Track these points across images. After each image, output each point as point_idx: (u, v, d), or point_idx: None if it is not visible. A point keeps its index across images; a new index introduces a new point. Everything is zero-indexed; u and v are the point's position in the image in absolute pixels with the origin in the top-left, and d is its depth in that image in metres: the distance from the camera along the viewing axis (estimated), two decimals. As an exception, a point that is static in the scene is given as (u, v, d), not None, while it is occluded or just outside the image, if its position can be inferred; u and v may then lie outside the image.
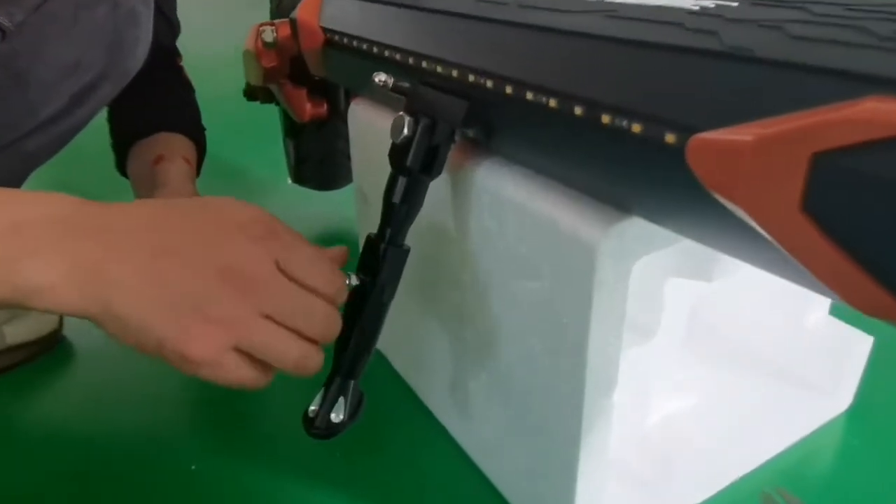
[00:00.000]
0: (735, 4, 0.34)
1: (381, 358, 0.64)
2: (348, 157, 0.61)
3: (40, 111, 0.49)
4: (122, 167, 0.73)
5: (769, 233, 0.21)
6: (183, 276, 0.32)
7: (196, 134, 0.71)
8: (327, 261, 0.36)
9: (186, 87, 0.75)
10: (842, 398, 0.55)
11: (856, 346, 0.52)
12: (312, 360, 0.35)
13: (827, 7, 0.32)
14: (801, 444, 0.53)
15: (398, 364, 0.62)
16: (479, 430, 0.49)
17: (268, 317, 0.33)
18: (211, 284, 0.32)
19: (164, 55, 0.71)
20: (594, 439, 0.38)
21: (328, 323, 0.35)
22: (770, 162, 0.20)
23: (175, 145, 0.67)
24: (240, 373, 0.33)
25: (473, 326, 0.45)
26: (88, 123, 0.55)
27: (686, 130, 0.23)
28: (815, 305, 0.53)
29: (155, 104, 0.69)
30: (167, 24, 0.71)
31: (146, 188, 0.65)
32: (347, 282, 0.38)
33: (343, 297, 0.37)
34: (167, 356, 0.32)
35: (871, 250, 0.19)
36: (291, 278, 0.34)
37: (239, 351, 0.33)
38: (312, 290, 0.34)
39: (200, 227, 0.33)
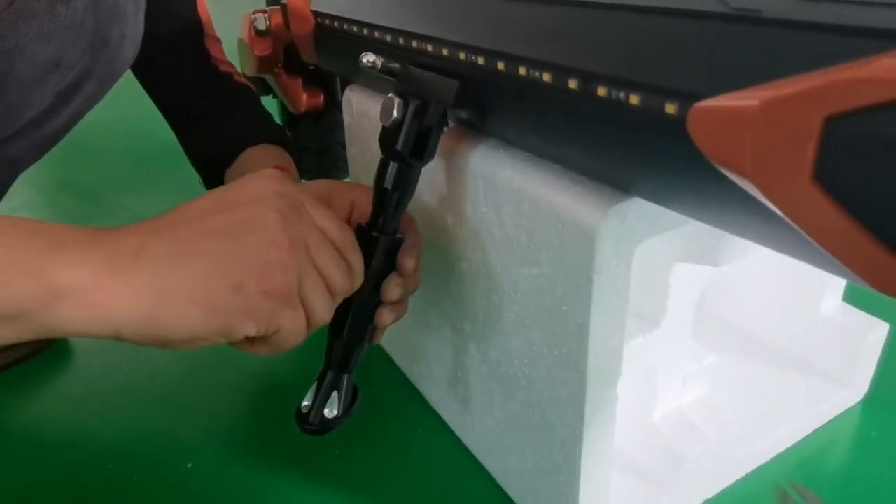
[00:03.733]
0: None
1: (381, 352, 0.63)
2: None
3: (23, 113, 0.46)
4: None
5: (778, 207, 0.19)
6: (228, 217, 0.31)
7: (279, 137, 0.64)
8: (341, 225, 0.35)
9: (247, 92, 0.66)
10: (857, 388, 0.53)
11: (871, 333, 0.50)
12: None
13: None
14: (815, 435, 0.51)
15: (398, 358, 0.61)
16: (480, 424, 0.47)
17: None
18: (258, 213, 0.31)
19: (199, 61, 0.64)
20: (598, 432, 0.36)
21: (355, 273, 0.35)
22: (778, 128, 0.18)
23: (264, 160, 0.60)
24: (320, 309, 0.33)
25: (472, 318, 0.43)
26: (76, 125, 0.53)
27: (687, 99, 0.22)
28: (828, 292, 0.51)
29: (225, 122, 0.63)
30: (186, 25, 0.63)
31: None
32: None
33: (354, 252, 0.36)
34: (249, 301, 0.30)
35: (890, 223, 0.18)
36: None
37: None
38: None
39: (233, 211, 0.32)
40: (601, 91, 0.25)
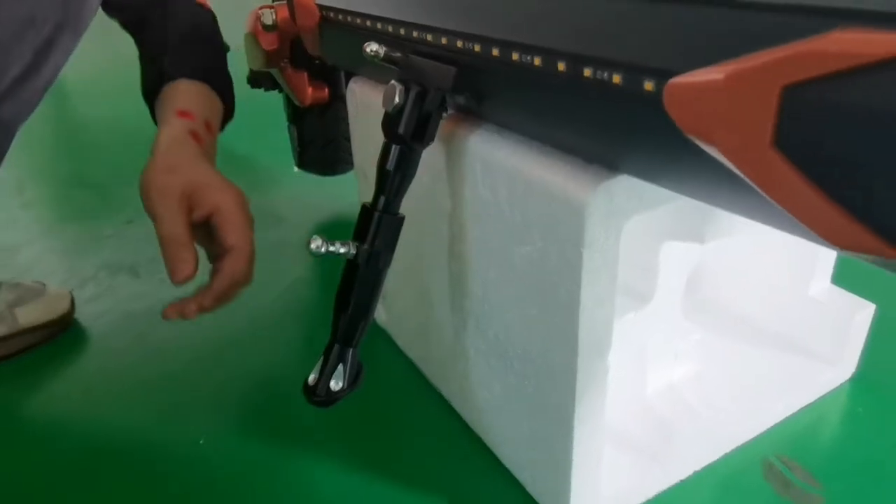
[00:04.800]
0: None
1: (384, 335, 0.65)
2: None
3: (6, 73, 0.48)
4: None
5: (743, 172, 0.21)
6: None
7: (220, 83, 0.59)
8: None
9: (208, 20, 0.61)
10: (845, 367, 0.55)
11: (857, 313, 0.52)
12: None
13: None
14: (804, 412, 0.53)
15: (401, 340, 0.63)
16: (480, 398, 0.49)
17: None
18: None
19: None
20: (590, 401, 0.38)
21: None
22: (741, 98, 0.20)
23: (175, 98, 0.56)
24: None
25: (471, 295, 0.45)
26: (56, 79, 0.54)
27: (663, 76, 0.24)
28: (817, 275, 0.53)
29: (178, 43, 0.58)
30: None
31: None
32: (345, 249, 0.38)
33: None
34: None
35: (842, 183, 0.19)
36: None
37: None
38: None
39: None
40: (587, 72, 0.27)
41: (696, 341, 0.49)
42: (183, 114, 0.53)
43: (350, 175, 0.63)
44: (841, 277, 0.54)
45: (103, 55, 2.20)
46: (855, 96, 0.18)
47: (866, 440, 0.51)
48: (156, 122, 0.58)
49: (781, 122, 0.20)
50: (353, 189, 0.66)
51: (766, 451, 0.50)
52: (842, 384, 0.55)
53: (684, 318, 0.47)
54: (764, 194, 0.21)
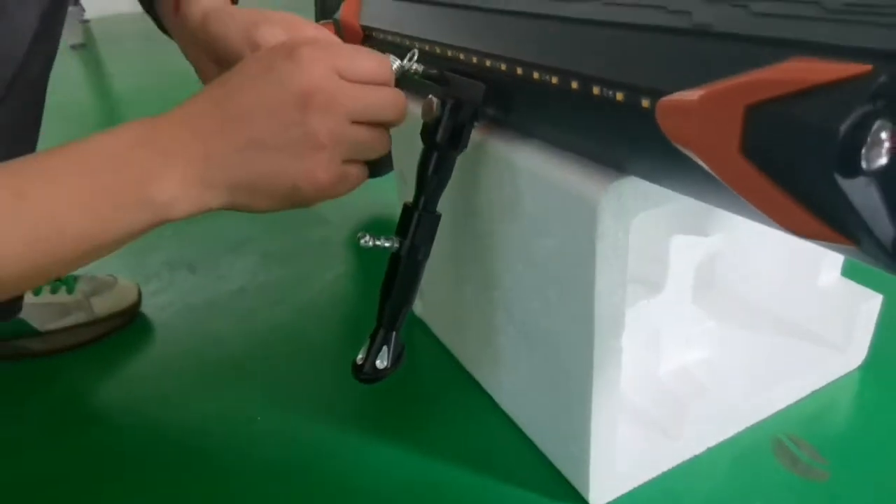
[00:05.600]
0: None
1: (422, 323, 0.70)
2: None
3: (24, 37, 0.52)
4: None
5: (718, 174, 0.26)
6: (274, 129, 0.37)
7: None
8: (369, 53, 0.41)
9: None
10: (855, 354, 0.58)
11: (865, 303, 0.56)
12: (387, 141, 0.42)
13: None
14: (814, 396, 0.57)
15: (436, 328, 0.68)
16: (508, 379, 0.54)
17: (354, 122, 0.39)
18: (299, 121, 0.37)
19: None
20: (606, 378, 0.43)
21: (396, 103, 0.41)
22: (713, 115, 0.25)
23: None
24: (361, 174, 0.41)
25: (501, 286, 0.50)
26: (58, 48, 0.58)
27: (656, 95, 0.28)
28: (827, 266, 0.57)
29: None
30: None
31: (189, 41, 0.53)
32: (389, 243, 0.44)
33: (393, 78, 0.42)
34: (304, 195, 0.39)
35: (796, 182, 0.24)
36: (353, 80, 0.39)
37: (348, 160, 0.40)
38: (371, 83, 0.40)
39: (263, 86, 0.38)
40: (596, 90, 0.32)
41: (708, 328, 0.53)
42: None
43: (388, 181, 0.68)
44: (850, 269, 0.58)
45: (147, 68, 2.31)
46: (800, 113, 0.23)
47: (873, 422, 0.54)
48: (163, 30, 0.58)
49: (746, 134, 0.24)
50: (391, 194, 0.71)
51: (776, 431, 0.54)
52: (851, 371, 0.59)
53: (696, 305, 0.52)
54: (736, 193, 0.26)
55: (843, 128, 0.21)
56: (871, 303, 0.56)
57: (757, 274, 0.60)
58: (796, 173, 0.24)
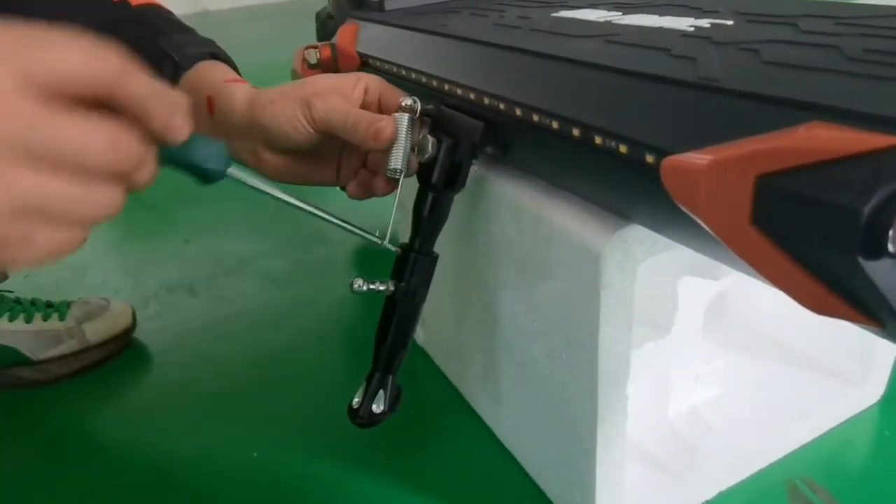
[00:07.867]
0: (730, 23, 0.36)
1: (424, 354, 0.68)
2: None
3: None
4: None
5: (727, 245, 0.24)
6: None
7: (226, 56, 0.52)
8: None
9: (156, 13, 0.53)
10: (872, 390, 0.56)
11: (882, 338, 0.53)
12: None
13: (817, 21, 0.34)
14: (830, 434, 0.54)
15: (438, 359, 0.66)
16: (510, 418, 0.53)
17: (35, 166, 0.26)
18: None
19: None
20: (611, 427, 0.41)
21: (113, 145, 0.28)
22: (722, 182, 0.23)
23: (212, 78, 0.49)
24: (56, 239, 0.28)
25: (502, 325, 0.49)
26: None
27: (662, 152, 0.26)
28: (842, 299, 0.55)
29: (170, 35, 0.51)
30: None
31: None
32: (384, 287, 0.42)
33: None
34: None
35: (816, 260, 0.22)
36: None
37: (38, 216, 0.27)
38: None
39: None
40: (598, 140, 0.30)
41: (719, 365, 0.51)
42: (232, 81, 0.48)
43: (389, 198, 0.67)
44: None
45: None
46: (819, 189, 0.21)
47: (892, 463, 0.52)
48: None
49: (758, 205, 0.22)
50: (389, 198, 0.69)
51: (790, 473, 0.51)
52: (868, 408, 0.56)
53: (706, 343, 0.50)
54: (744, 262, 0.24)
55: (868, 209, 0.19)
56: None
57: (769, 307, 0.58)
58: (814, 251, 0.22)
